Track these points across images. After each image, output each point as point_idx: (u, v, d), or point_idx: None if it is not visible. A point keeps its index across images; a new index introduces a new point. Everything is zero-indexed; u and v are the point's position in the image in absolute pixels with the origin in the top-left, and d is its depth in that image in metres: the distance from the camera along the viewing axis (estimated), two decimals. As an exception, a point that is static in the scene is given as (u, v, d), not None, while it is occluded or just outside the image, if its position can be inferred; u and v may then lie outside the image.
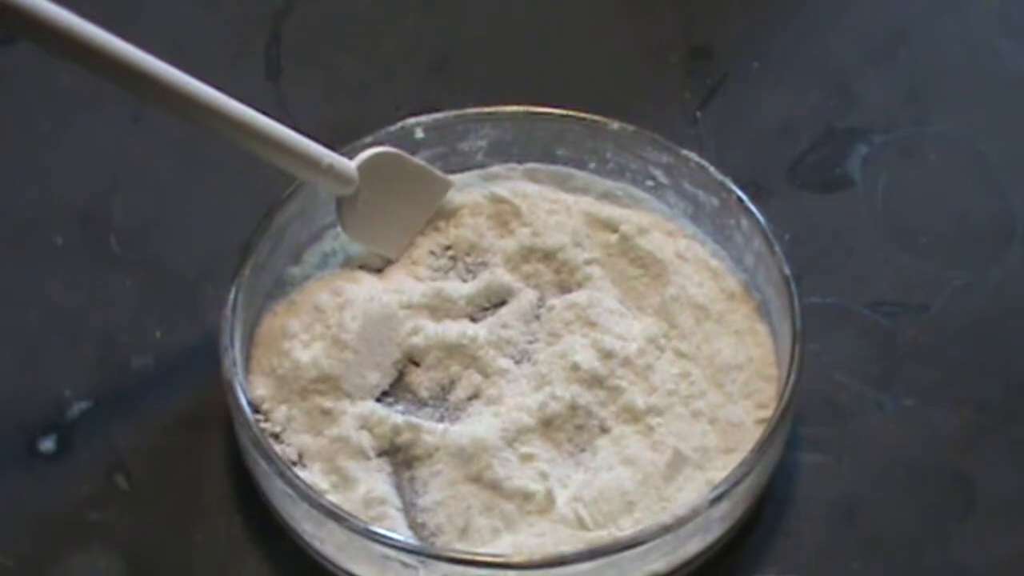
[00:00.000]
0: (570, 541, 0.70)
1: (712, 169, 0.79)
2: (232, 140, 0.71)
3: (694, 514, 0.67)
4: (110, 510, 0.73)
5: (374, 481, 0.72)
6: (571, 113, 0.82)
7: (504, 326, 0.78)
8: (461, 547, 0.70)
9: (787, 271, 0.75)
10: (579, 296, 0.78)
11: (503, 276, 0.80)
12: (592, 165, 0.83)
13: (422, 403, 0.76)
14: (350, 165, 0.76)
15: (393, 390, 0.76)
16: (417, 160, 0.80)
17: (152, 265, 0.82)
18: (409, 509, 0.72)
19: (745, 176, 0.81)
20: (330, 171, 0.74)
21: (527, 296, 0.79)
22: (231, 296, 0.73)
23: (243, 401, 0.71)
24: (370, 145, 0.79)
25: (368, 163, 0.77)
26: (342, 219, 0.77)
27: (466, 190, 0.82)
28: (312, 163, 0.74)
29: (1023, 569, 0.72)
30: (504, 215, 0.82)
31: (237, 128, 0.71)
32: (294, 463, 0.72)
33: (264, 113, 0.89)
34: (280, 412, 0.74)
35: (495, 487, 0.72)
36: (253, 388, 0.75)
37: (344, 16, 0.96)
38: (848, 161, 0.87)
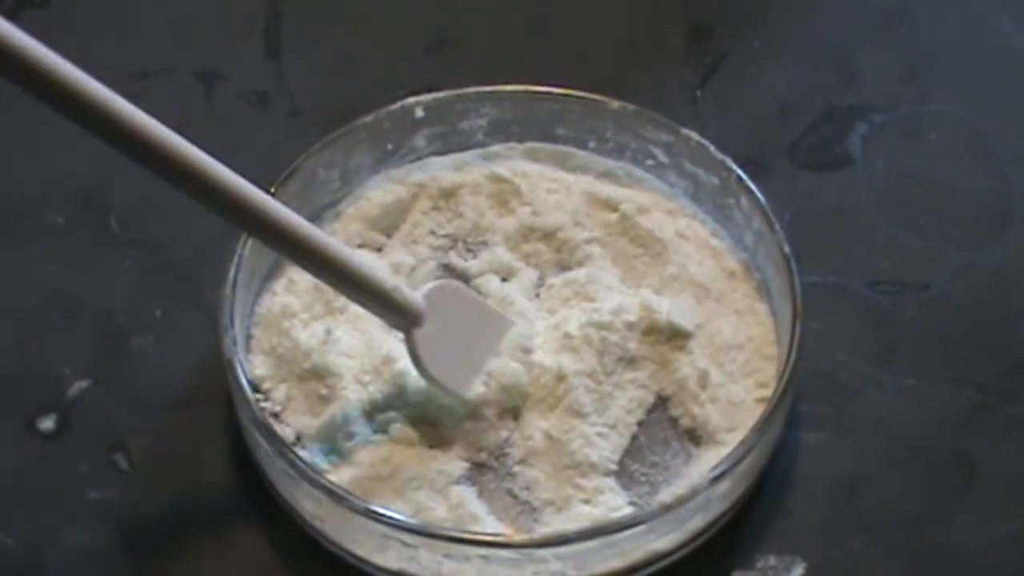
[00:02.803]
0: (570, 520, 0.70)
1: (712, 148, 0.79)
2: (289, 259, 0.71)
3: (694, 493, 0.67)
4: (109, 489, 0.73)
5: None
6: (571, 92, 0.82)
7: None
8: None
9: (787, 250, 0.74)
10: (578, 273, 0.78)
11: (503, 255, 0.79)
12: (592, 144, 0.83)
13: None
14: (415, 294, 0.71)
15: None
16: (475, 295, 0.76)
17: (152, 244, 0.82)
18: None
19: (745, 155, 0.81)
20: (396, 294, 0.70)
21: (527, 275, 0.79)
22: (231, 275, 0.73)
23: (243, 380, 0.71)
24: (370, 125, 0.79)
25: (433, 293, 0.72)
26: (415, 354, 0.71)
27: (466, 169, 0.82)
28: (378, 290, 0.69)
29: (1023, 547, 0.72)
30: (504, 194, 0.81)
31: (295, 249, 0.67)
32: (294, 442, 0.72)
33: (263, 95, 0.90)
34: (280, 392, 0.74)
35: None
36: (253, 368, 0.75)
37: (344, -6, 0.96)
38: (848, 140, 0.87)
